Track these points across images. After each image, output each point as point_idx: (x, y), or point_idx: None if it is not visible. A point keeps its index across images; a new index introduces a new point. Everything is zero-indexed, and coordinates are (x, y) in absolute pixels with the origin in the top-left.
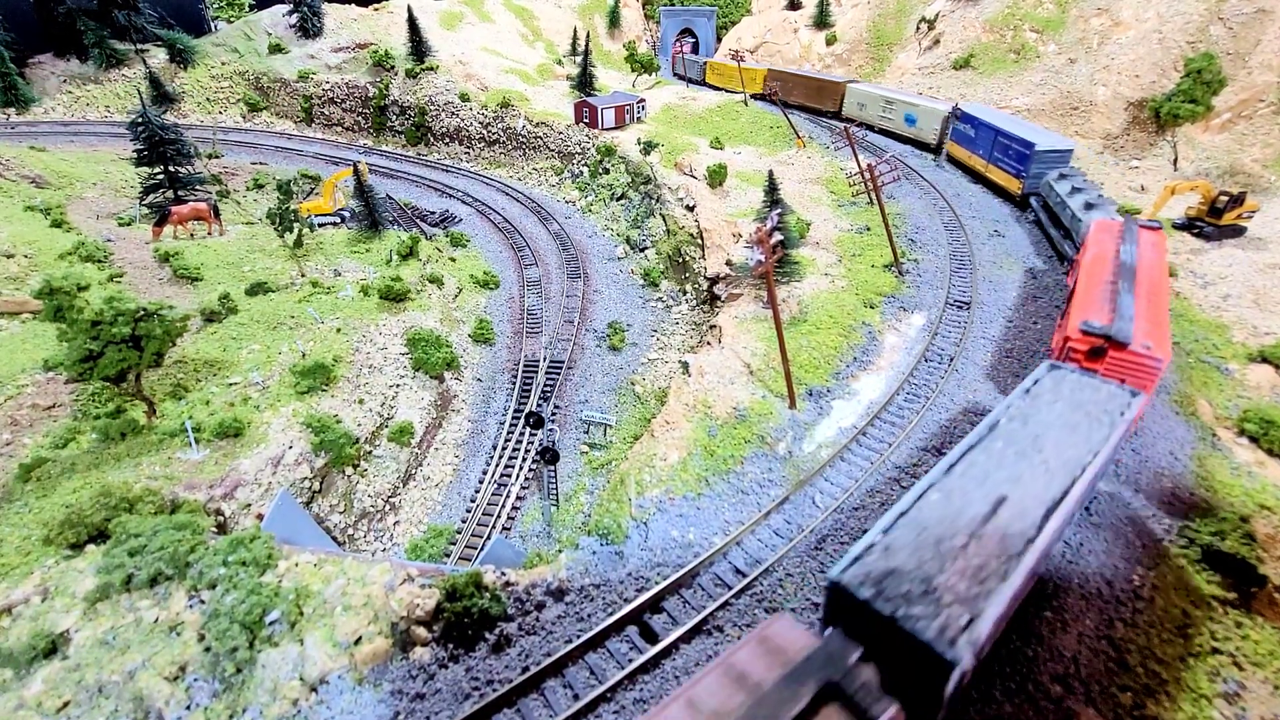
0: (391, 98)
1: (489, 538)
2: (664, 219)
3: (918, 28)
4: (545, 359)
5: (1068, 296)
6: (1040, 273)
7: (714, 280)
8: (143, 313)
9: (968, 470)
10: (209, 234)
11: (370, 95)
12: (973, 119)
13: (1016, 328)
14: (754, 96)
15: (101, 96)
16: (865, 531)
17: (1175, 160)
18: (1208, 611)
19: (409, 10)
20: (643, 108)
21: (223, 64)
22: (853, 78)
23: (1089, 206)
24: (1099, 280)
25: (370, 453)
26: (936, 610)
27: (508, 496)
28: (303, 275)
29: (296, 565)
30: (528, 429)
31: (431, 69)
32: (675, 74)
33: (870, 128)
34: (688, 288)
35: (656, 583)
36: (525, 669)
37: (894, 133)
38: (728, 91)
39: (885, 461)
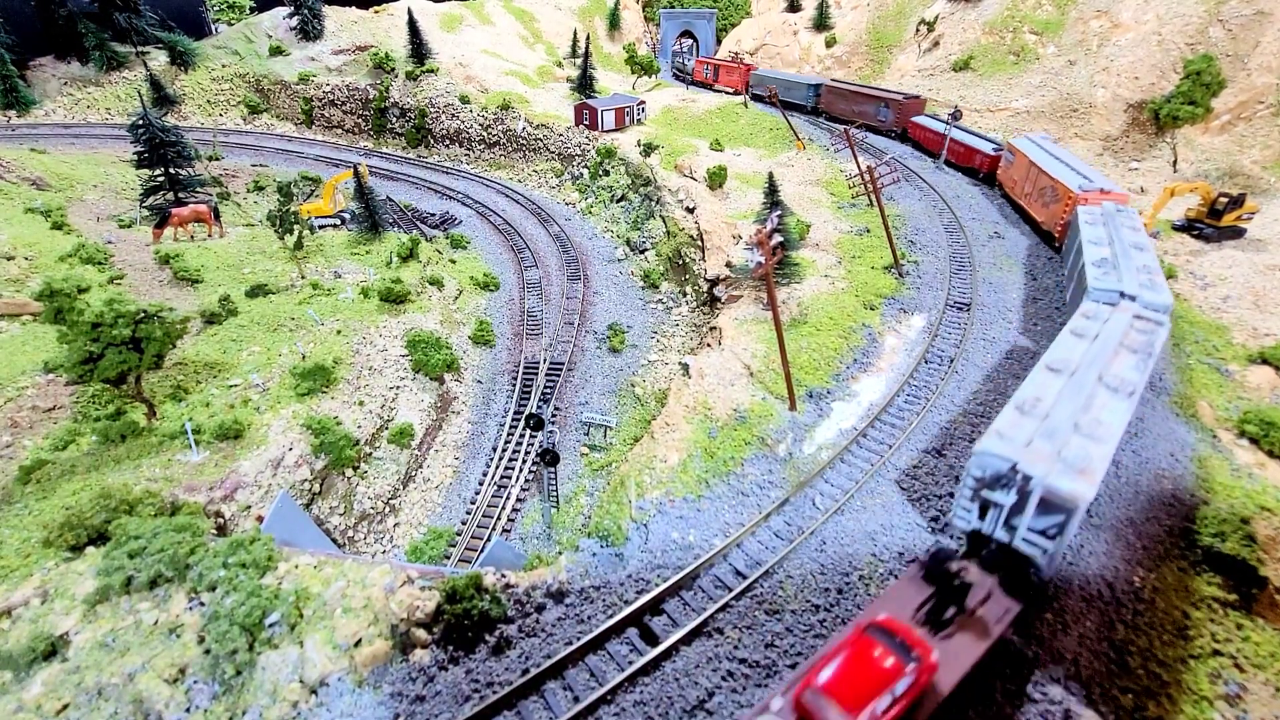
0: (392, 100)
1: (489, 539)
2: (664, 221)
3: (917, 30)
4: (545, 361)
5: None
6: (1040, 273)
7: (714, 282)
8: (143, 314)
9: None
10: (209, 236)
11: (370, 97)
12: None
13: (1016, 329)
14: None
15: (102, 99)
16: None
17: (1175, 162)
18: (1209, 613)
19: (409, 13)
20: (643, 110)
21: (223, 66)
22: None
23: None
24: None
25: (370, 454)
26: None
27: (508, 498)
28: (303, 277)
29: (296, 567)
30: (528, 431)
31: (432, 71)
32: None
33: None
34: (688, 289)
35: (656, 585)
36: (525, 671)
37: None
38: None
39: (885, 463)
